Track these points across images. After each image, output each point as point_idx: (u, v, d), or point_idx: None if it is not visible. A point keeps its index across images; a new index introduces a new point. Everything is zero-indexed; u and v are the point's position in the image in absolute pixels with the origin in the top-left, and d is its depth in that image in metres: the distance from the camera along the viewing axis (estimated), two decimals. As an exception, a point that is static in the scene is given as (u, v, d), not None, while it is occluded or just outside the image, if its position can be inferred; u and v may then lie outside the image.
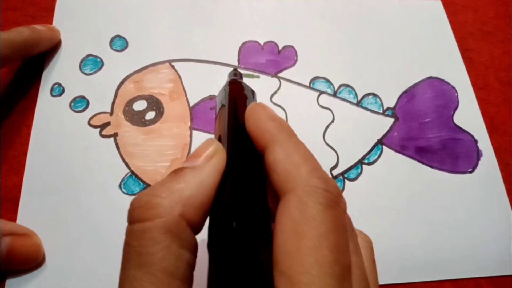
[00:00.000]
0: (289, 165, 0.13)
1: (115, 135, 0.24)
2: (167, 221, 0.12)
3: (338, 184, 0.24)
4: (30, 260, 0.21)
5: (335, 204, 0.12)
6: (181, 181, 0.13)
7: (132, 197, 0.23)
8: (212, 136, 0.25)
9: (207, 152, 0.14)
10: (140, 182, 0.23)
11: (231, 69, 0.27)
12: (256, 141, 0.14)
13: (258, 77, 0.27)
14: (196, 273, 0.13)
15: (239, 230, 0.12)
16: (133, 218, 0.12)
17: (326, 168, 0.25)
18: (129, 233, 0.12)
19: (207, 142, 0.14)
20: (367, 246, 0.15)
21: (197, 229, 0.13)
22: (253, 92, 0.20)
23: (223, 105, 0.18)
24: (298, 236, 0.11)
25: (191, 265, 0.12)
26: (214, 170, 0.13)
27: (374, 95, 0.27)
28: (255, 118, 0.15)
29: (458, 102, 0.28)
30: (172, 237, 0.12)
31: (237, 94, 0.18)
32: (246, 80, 0.26)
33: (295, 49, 0.28)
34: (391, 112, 0.27)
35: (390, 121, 0.27)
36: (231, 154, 0.14)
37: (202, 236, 0.13)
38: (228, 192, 0.13)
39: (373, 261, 0.15)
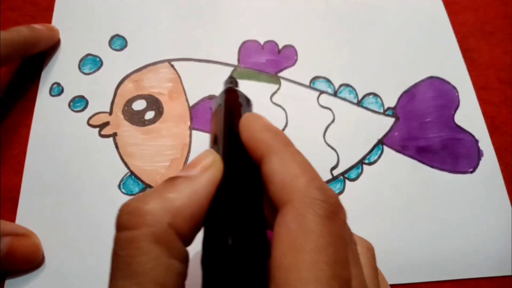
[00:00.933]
0: (286, 176, 0.13)
1: (114, 135, 0.24)
2: (156, 230, 0.12)
3: (338, 185, 0.24)
4: (29, 261, 0.20)
5: (334, 216, 0.12)
6: (173, 190, 0.13)
7: (132, 197, 0.23)
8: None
9: (203, 163, 0.14)
10: (140, 182, 0.23)
11: (231, 68, 0.27)
12: (252, 152, 0.14)
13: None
14: (187, 283, 0.12)
15: (234, 246, 0.12)
16: (120, 225, 0.12)
17: (326, 168, 0.25)
18: (117, 242, 0.12)
19: (205, 153, 0.14)
20: (368, 254, 0.15)
21: (187, 241, 0.13)
22: (248, 101, 0.19)
23: (218, 111, 0.18)
24: (296, 250, 0.11)
25: (183, 275, 0.12)
26: (209, 181, 0.13)
27: (375, 94, 0.27)
28: (250, 128, 0.15)
29: (459, 102, 0.28)
30: (161, 247, 0.11)
31: (233, 102, 0.18)
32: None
33: (295, 49, 0.28)
34: (392, 112, 0.27)
35: (390, 121, 0.27)
36: (227, 166, 0.14)
37: (194, 247, 0.13)
38: (222, 205, 0.13)
39: (374, 268, 0.15)
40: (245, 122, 0.15)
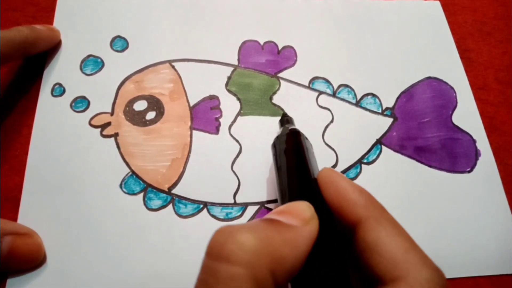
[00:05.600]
0: (396, 249, 0.12)
1: (115, 135, 0.24)
2: (258, 274, 0.10)
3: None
4: (31, 260, 0.21)
5: None
6: (277, 235, 0.11)
7: (133, 197, 0.23)
8: (212, 136, 0.25)
9: (303, 215, 0.13)
10: (141, 181, 0.23)
11: (231, 69, 0.27)
12: (343, 213, 0.13)
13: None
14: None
15: None
16: (219, 254, 0.11)
17: (325, 167, 0.25)
18: (213, 273, 0.10)
19: (301, 204, 0.13)
20: None
21: None
22: (309, 142, 0.19)
23: (284, 155, 0.17)
24: None
25: None
26: (310, 237, 0.12)
27: (373, 95, 0.27)
28: (338, 188, 0.14)
29: (456, 102, 0.28)
30: None
31: (300, 148, 0.17)
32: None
33: (294, 50, 0.28)
34: (390, 112, 0.27)
35: (389, 121, 0.27)
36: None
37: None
38: (321, 270, 0.12)
39: None
40: (329, 180, 0.14)
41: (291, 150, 0.17)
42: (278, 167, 0.18)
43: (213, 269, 0.10)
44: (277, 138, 0.20)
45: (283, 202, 0.15)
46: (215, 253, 0.11)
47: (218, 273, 0.10)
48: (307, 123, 0.26)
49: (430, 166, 0.26)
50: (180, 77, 0.27)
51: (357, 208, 0.13)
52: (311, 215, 0.13)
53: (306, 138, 0.19)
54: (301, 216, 0.12)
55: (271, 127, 0.25)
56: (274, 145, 0.20)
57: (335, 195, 0.14)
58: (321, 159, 0.25)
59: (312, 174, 0.15)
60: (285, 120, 0.21)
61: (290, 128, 0.20)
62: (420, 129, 0.27)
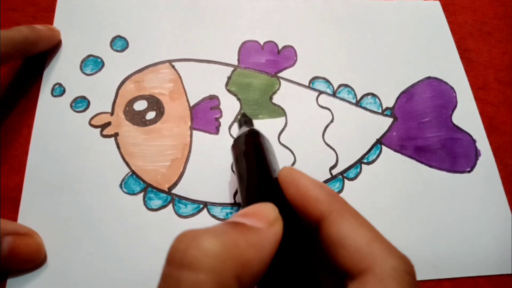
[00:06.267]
0: (360, 241, 0.12)
1: (115, 135, 0.24)
2: (223, 279, 0.10)
3: (337, 184, 0.25)
4: (32, 260, 0.21)
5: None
6: (242, 238, 0.11)
7: (133, 197, 0.23)
8: (212, 136, 0.25)
9: (268, 217, 0.12)
10: (141, 181, 0.23)
11: (231, 69, 0.27)
12: (306, 210, 0.13)
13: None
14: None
15: None
16: (181, 261, 0.10)
17: (325, 167, 0.25)
18: (175, 282, 0.10)
19: (265, 205, 0.13)
20: None
21: None
22: (268, 141, 0.19)
23: (243, 157, 0.17)
24: None
25: None
26: (275, 239, 0.12)
27: (373, 95, 0.28)
28: (299, 186, 0.14)
29: (456, 102, 0.28)
30: None
31: (260, 148, 0.17)
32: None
33: (294, 49, 0.28)
34: (390, 112, 0.27)
35: (389, 121, 0.27)
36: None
37: None
38: (287, 272, 0.12)
39: None
40: (290, 179, 0.14)
41: (251, 151, 0.17)
42: (238, 169, 0.17)
43: (175, 278, 0.10)
44: (236, 139, 0.19)
45: (246, 204, 0.15)
46: (177, 260, 0.10)
47: (181, 281, 0.10)
48: (307, 123, 0.26)
49: (430, 166, 0.26)
50: (180, 77, 0.27)
51: (319, 204, 0.13)
52: (276, 216, 0.13)
53: (266, 138, 0.19)
54: (265, 218, 0.12)
55: (271, 127, 0.26)
56: (234, 147, 0.19)
57: (297, 193, 0.14)
58: (321, 159, 0.25)
59: (273, 175, 0.15)
60: (244, 120, 0.21)
61: (249, 129, 0.19)
62: (420, 129, 0.27)
